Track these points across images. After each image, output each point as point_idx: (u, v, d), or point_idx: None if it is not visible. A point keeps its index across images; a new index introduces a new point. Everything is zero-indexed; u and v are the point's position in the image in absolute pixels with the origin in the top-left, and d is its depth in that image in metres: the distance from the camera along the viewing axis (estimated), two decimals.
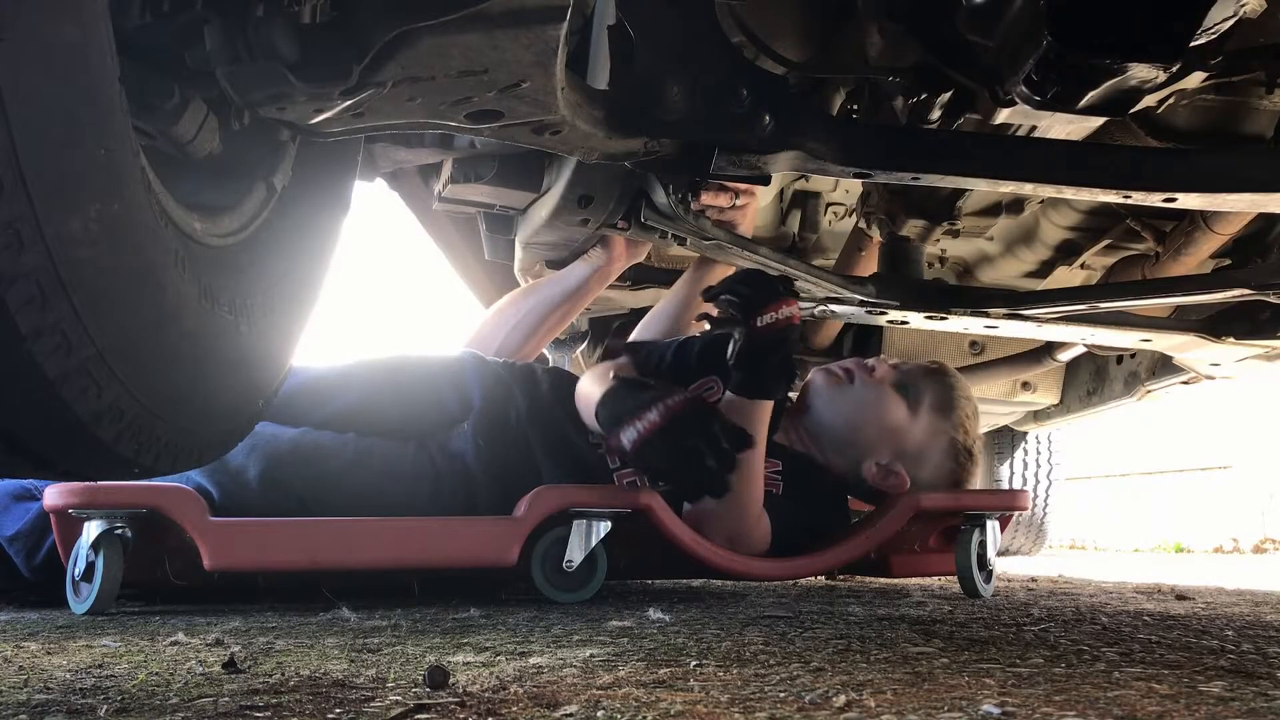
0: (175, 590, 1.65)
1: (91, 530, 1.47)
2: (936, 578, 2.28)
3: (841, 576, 2.40)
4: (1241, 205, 1.37)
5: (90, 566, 1.46)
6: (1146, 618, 1.51)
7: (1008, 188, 1.34)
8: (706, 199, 1.70)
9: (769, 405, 1.70)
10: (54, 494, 1.49)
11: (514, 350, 2.04)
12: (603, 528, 1.62)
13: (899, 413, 1.90)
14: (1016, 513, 1.95)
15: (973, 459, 1.96)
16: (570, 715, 0.74)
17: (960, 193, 1.84)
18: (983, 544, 1.84)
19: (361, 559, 1.57)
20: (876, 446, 1.89)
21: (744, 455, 1.54)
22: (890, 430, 1.90)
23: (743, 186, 1.79)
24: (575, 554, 1.61)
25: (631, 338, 2.18)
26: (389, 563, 1.59)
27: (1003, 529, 1.89)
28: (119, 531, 1.48)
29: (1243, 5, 1.13)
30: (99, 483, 1.47)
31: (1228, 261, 2.04)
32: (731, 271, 1.83)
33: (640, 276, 2.15)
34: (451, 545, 1.61)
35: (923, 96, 1.37)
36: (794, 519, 1.79)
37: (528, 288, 2.11)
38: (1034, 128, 1.40)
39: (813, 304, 1.80)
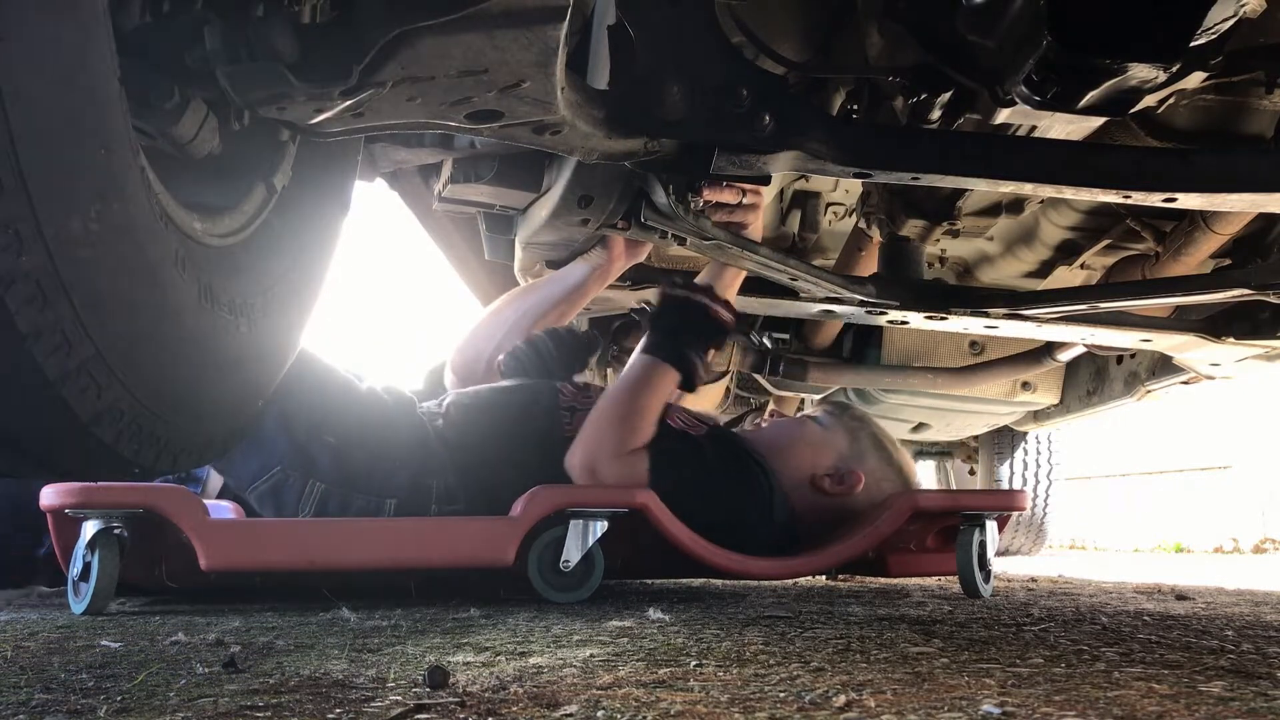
0: (175, 590, 1.65)
1: (88, 530, 1.46)
2: (936, 578, 2.28)
3: (841, 576, 2.40)
4: (1241, 205, 1.37)
5: (87, 566, 1.46)
6: (1146, 618, 1.51)
7: (1008, 188, 1.34)
8: (710, 194, 1.70)
9: (660, 368, 1.83)
10: (50, 494, 1.49)
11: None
12: (599, 527, 1.62)
13: (813, 428, 2.04)
14: (1015, 513, 1.96)
15: (896, 447, 2.07)
16: (570, 715, 0.74)
17: (960, 193, 1.84)
18: (983, 544, 1.84)
19: (358, 559, 1.57)
20: (816, 459, 1.98)
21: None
22: (816, 442, 2.01)
23: (749, 186, 1.79)
24: (572, 554, 1.61)
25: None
26: (386, 563, 1.59)
27: (1001, 529, 1.90)
28: (116, 531, 1.48)
29: (1243, 5, 1.13)
30: (96, 483, 1.46)
31: (1228, 261, 2.04)
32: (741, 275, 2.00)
33: (640, 276, 2.15)
34: (448, 545, 1.61)
35: (923, 96, 1.37)
36: (697, 478, 1.82)
37: (526, 287, 2.10)
38: (1034, 128, 1.40)
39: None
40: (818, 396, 3.35)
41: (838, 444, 2.00)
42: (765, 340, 2.86)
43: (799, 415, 2.12)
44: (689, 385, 1.87)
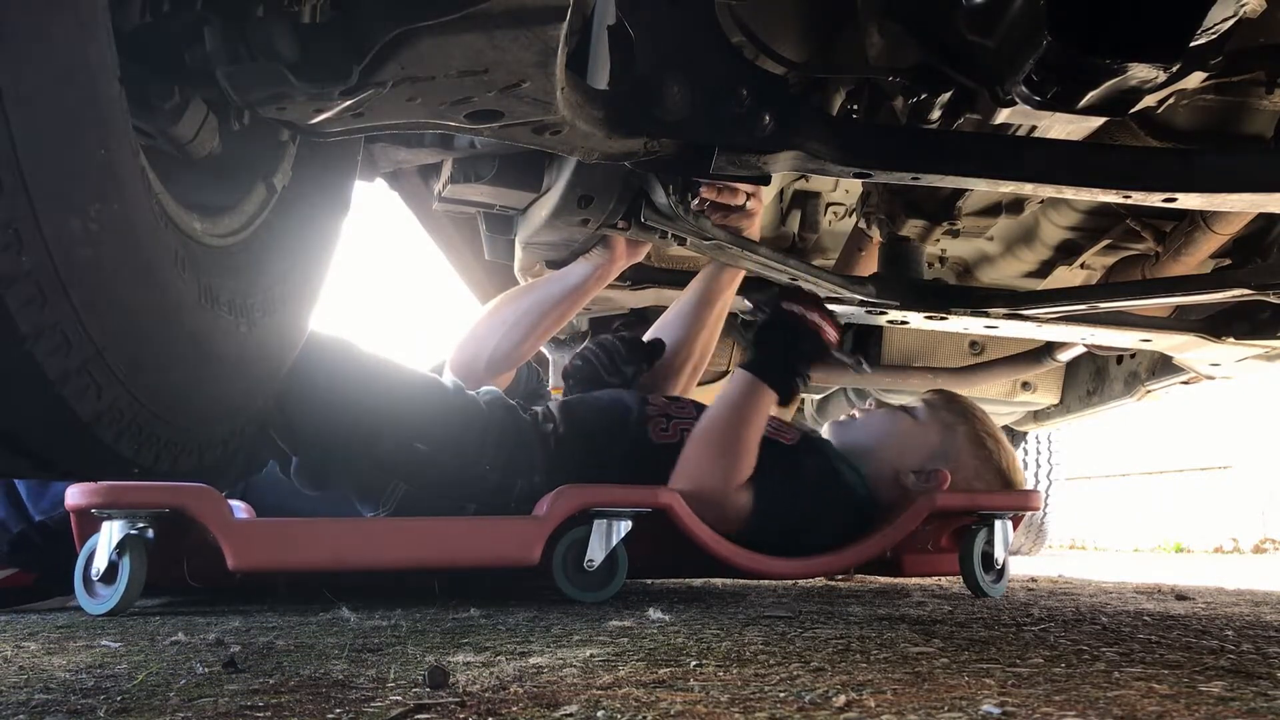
0: (196, 589, 1.65)
1: (114, 531, 1.46)
2: (937, 578, 2.28)
3: (841, 576, 2.40)
4: (1241, 205, 1.37)
5: (113, 567, 1.46)
6: (1146, 618, 1.51)
7: (1008, 188, 1.34)
8: (707, 193, 1.70)
9: (765, 393, 1.78)
10: (76, 493, 1.48)
11: (510, 350, 2.03)
12: (623, 527, 1.62)
13: (906, 422, 1.99)
14: (1029, 512, 1.96)
15: (1000, 443, 2.01)
16: (570, 715, 0.74)
17: (960, 193, 1.84)
18: (989, 543, 1.84)
19: (386, 559, 1.56)
20: (903, 456, 1.94)
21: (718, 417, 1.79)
22: (906, 437, 1.97)
23: (750, 188, 1.79)
24: (596, 553, 1.61)
25: (646, 338, 2.20)
26: (413, 562, 1.59)
27: (1015, 528, 1.90)
28: (142, 532, 1.47)
29: (1243, 5, 1.13)
30: (123, 482, 1.46)
31: (1228, 261, 2.04)
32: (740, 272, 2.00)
33: (640, 276, 2.15)
34: (475, 545, 1.62)
35: (923, 96, 1.37)
36: (789, 491, 1.80)
37: (525, 286, 2.10)
38: (1034, 128, 1.40)
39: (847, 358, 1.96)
40: (818, 396, 3.35)
41: (929, 440, 1.95)
42: None
43: (898, 406, 2.07)
44: (785, 404, 1.85)
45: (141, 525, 1.47)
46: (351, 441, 1.68)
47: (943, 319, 1.87)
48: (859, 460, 1.93)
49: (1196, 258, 1.93)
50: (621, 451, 1.83)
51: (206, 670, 0.95)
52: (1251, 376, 2.23)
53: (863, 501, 1.87)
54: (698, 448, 1.77)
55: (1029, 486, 4.03)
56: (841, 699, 0.80)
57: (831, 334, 1.81)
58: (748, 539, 1.75)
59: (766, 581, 2.17)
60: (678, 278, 2.20)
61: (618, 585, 1.63)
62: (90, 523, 1.49)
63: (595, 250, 1.94)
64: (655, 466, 1.77)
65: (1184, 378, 2.39)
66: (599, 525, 1.61)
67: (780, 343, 1.81)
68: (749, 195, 1.79)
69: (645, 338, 2.19)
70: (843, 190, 2.33)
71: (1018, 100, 1.22)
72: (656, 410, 1.90)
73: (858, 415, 2.07)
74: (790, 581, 2.22)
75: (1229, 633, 1.31)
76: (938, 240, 2.30)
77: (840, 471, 1.87)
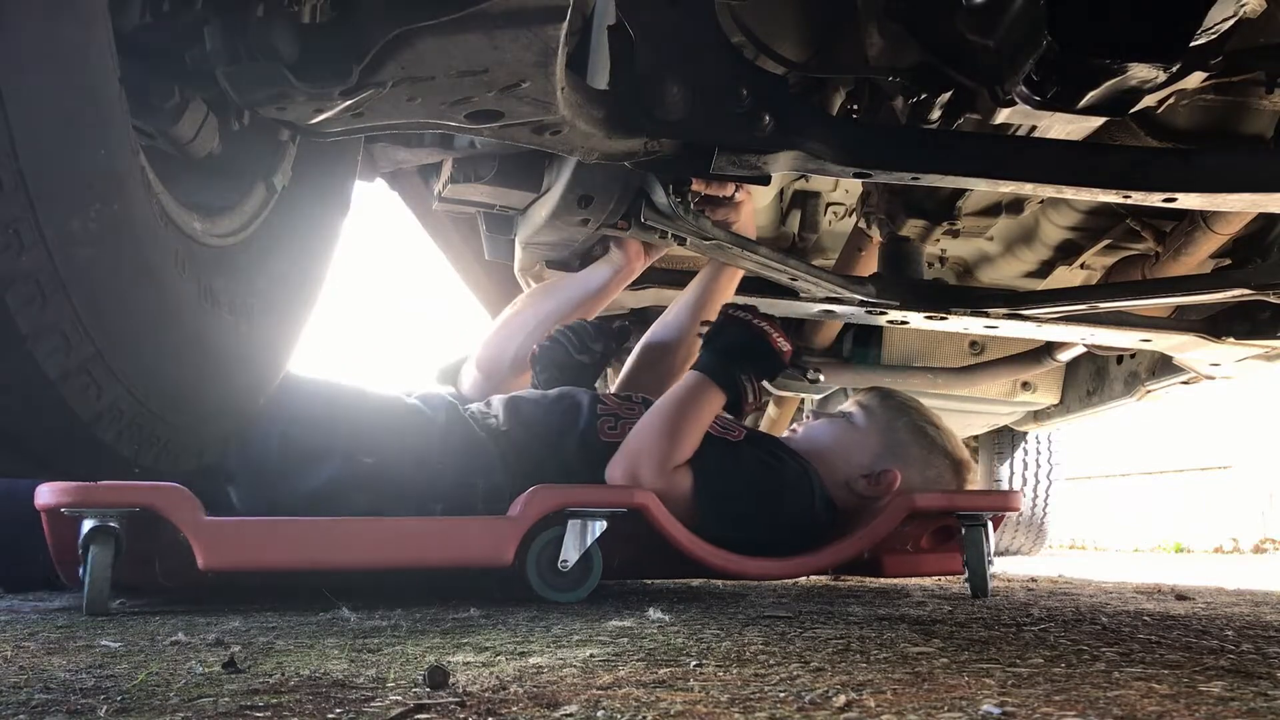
0: (172, 590, 1.65)
1: (84, 529, 1.46)
2: (934, 578, 2.28)
3: (842, 576, 2.40)
4: (1241, 205, 1.37)
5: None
6: (1146, 618, 1.51)
7: (1008, 188, 1.34)
8: (698, 185, 1.70)
9: (710, 389, 1.80)
10: (46, 493, 1.48)
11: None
12: (598, 527, 1.62)
13: (845, 428, 2.00)
14: (1009, 513, 1.96)
15: (941, 428, 2.01)
16: (570, 715, 0.74)
17: (960, 193, 1.84)
18: (986, 543, 1.85)
19: (357, 559, 1.56)
20: (850, 461, 1.94)
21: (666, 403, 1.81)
22: (849, 442, 1.97)
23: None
24: (570, 553, 1.61)
25: (644, 339, 2.21)
26: (384, 563, 1.59)
27: (995, 529, 1.90)
28: (110, 529, 1.47)
29: (1243, 5, 1.13)
30: (92, 481, 1.46)
31: (1228, 261, 2.04)
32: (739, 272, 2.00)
33: (640, 276, 2.15)
34: (447, 545, 1.61)
35: (923, 96, 1.37)
36: (743, 492, 1.81)
37: (544, 289, 2.10)
38: (1034, 128, 1.40)
39: (800, 372, 2.02)
40: (818, 396, 3.35)
41: (871, 442, 1.95)
42: None
43: (836, 412, 2.07)
44: (735, 410, 1.85)
45: (110, 523, 1.47)
46: (296, 462, 1.66)
47: (943, 319, 1.87)
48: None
49: (1196, 258, 1.93)
50: (573, 450, 1.83)
51: (206, 670, 0.96)
52: (1251, 376, 2.23)
53: (813, 491, 1.86)
54: (637, 431, 1.80)
55: (1027, 487, 4.05)
56: (841, 699, 0.80)
57: (784, 345, 1.82)
58: (711, 535, 1.75)
59: (766, 582, 2.18)
60: (678, 278, 2.21)
61: (592, 585, 1.63)
62: (63, 523, 1.49)
63: (614, 253, 1.96)
64: (603, 465, 1.78)
65: (1184, 378, 2.39)
66: (574, 525, 1.61)
67: (726, 344, 1.83)
68: (737, 187, 1.80)
69: (645, 337, 2.20)
70: (843, 190, 2.33)
71: (1018, 100, 1.22)
72: (607, 410, 1.91)
73: (798, 429, 2.08)
74: (790, 581, 2.23)
75: (1229, 633, 1.31)
76: (938, 240, 2.30)
77: (783, 459, 1.87)
